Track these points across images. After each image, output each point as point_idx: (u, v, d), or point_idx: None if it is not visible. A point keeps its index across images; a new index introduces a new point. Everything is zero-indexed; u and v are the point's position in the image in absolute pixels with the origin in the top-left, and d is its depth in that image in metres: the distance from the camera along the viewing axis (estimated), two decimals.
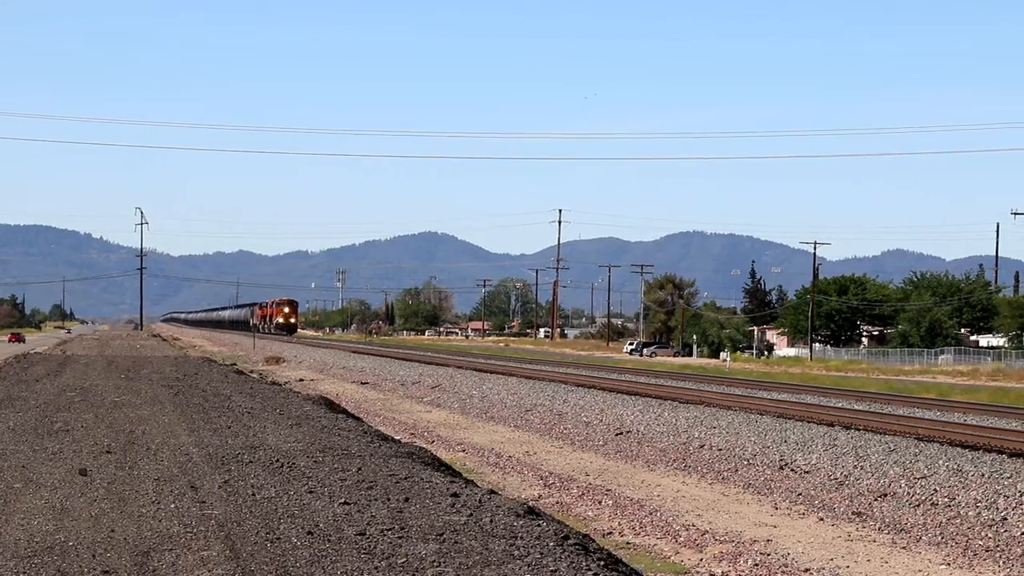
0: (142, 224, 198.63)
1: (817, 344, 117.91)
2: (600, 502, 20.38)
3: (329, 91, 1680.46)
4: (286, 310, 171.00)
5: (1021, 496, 18.97)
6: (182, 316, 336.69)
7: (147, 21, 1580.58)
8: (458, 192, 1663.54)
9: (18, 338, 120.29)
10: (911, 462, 22.60)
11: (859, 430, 28.64)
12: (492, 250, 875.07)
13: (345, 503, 14.48)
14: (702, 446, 27.21)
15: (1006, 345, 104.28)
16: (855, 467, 22.79)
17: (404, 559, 11.45)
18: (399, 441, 24.28)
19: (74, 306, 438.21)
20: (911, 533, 17.69)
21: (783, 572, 15.16)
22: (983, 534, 17.34)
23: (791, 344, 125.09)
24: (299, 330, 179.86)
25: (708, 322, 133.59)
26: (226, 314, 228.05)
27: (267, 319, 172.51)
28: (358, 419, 30.06)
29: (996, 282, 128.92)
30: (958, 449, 24.48)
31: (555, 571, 11.15)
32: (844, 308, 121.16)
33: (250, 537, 12.45)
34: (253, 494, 15.14)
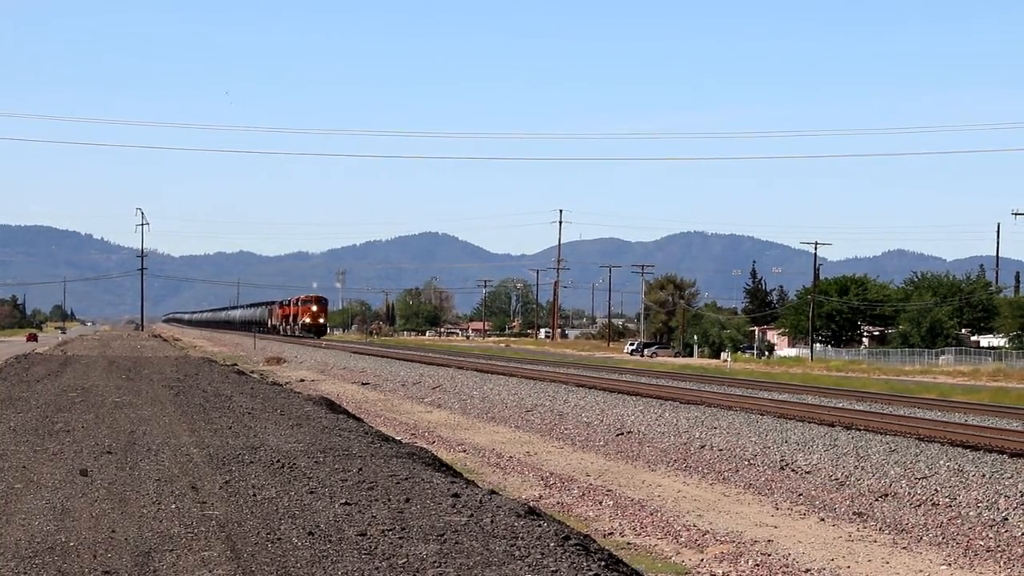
0: (143, 224, 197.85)
1: (818, 344, 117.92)
2: (601, 502, 20.38)
3: (329, 91, 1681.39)
4: (314, 308, 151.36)
5: (1022, 496, 18.97)
6: (185, 317, 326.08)
7: (148, 21, 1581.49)
8: (458, 192, 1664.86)
9: (34, 338, 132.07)
10: (912, 462, 22.60)
11: (860, 430, 28.63)
12: (492, 250, 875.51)
13: (346, 503, 14.47)
14: (703, 446, 27.21)
15: (1007, 345, 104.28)
16: (856, 467, 22.79)
17: (405, 559, 11.44)
18: (400, 441, 24.28)
19: (75, 307, 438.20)
20: (912, 533, 17.68)
21: (784, 572, 15.16)
22: (984, 534, 17.34)
23: (792, 344, 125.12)
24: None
25: (709, 322, 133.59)
26: (236, 314, 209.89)
27: (290, 319, 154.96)
28: (359, 419, 30.05)
29: (997, 282, 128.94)
30: (959, 449, 24.47)
31: (556, 571, 11.14)
32: (845, 308, 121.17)
33: (251, 537, 12.45)
34: (254, 494, 15.13)
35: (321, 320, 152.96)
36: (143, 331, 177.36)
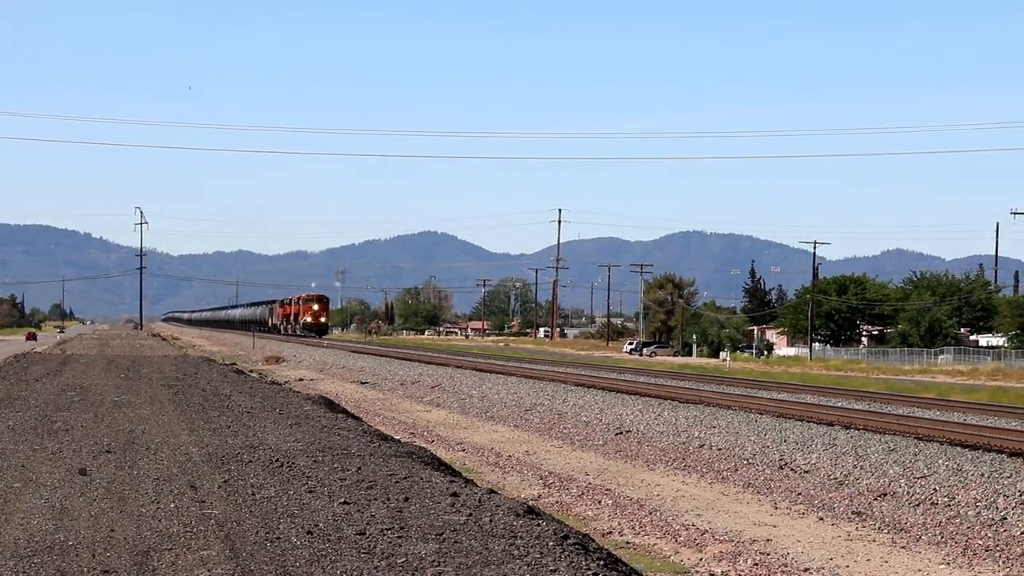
0: (142, 224, 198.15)
1: (817, 344, 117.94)
2: (600, 502, 20.38)
3: (329, 91, 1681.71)
4: (315, 307, 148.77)
5: (1021, 496, 18.97)
6: (185, 316, 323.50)
7: (148, 21, 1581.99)
8: (458, 192, 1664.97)
9: (33, 337, 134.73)
10: (911, 462, 22.60)
11: (859, 430, 28.63)
12: (492, 250, 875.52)
13: (345, 503, 14.48)
14: (702, 446, 27.21)
15: (1006, 345, 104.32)
16: (855, 467, 22.79)
17: (404, 559, 11.44)
18: (399, 441, 24.28)
19: (74, 306, 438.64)
20: (911, 533, 17.69)
21: (783, 572, 15.17)
22: (983, 534, 17.34)
23: (791, 344, 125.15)
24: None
25: (708, 322, 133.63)
26: (237, 313, 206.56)
27: (291, 318, 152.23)
28: (358, 419, 30.06)
29: (996, 282, 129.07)
30: (958, 449, 24.47)
31: (555, 571, 11.14)
32: (844, 308, 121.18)
33: (250, 537, 12.45)
34: (253, 494, 15.13)
35: (323, 319, 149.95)
36: (142, 330, 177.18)
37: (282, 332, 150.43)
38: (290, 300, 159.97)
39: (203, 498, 14.76)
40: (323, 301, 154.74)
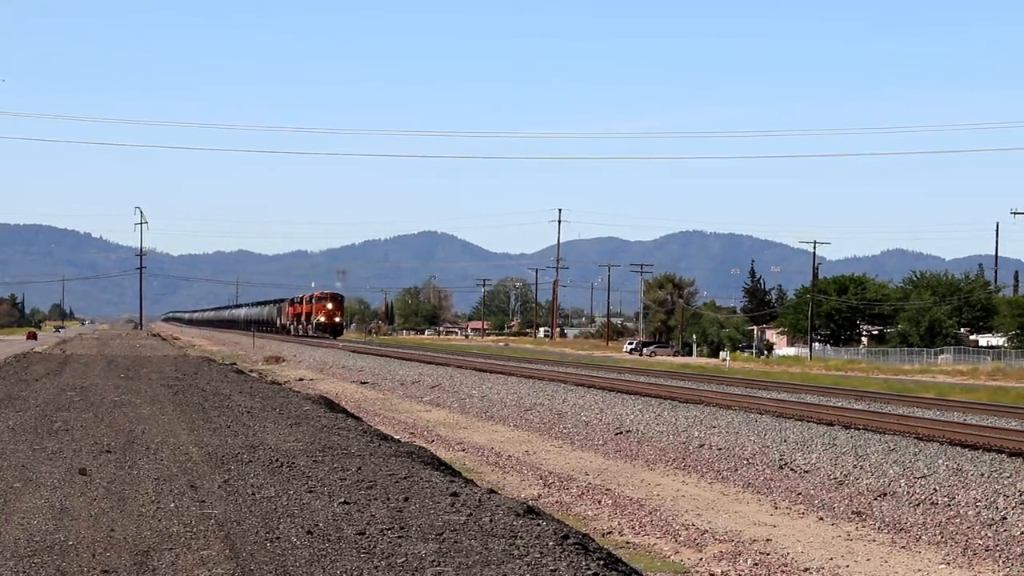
0: (142, 224, 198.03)
1: (817, 344, 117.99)
2: (600, 501, 20.39)
3: (328, 91, 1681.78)
4: (329, 306, 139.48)
5: (1021, 495, 18.97)
6: (186, 316, 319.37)
7: (148, 21, 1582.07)
8: (458, 192, 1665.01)
9: (34, 336, 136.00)
10: (911, 461, 22.59)
11: (859, 429, 28.63)
12: (492, 250, 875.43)
13: (345, 502, 14.47)
14: (702, 445, 27.21)
15: (1005, 345, 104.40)
16: (855, 466, 22.79)
17: (404, 558, 11.44)
18: (399, 440, 24.27)
19: (74, 305, 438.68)
20: (911, 532, 17.69)
21: (783, 571, 15.17)
22: (983, 533, 17.34)
23: (791, 343, 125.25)
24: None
25: (708, 321, 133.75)
26: (242, 312, 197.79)
27: (302, 318, 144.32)
28: (358, 418, 30.05)
29: (996, 282, 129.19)
30: (958, 448, 24.46)
31: (555, 570, 11.15)
32: (844, 308, 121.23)
33: (250, 536, 12.44)
34: (253, 493, 15.13)
35: (337, 319, 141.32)
36: (142, 330, 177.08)
37: (292, 332, 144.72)
38: (301, 299, 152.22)
39: (203, 498, 14.75)
40: (337, 300, 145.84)
